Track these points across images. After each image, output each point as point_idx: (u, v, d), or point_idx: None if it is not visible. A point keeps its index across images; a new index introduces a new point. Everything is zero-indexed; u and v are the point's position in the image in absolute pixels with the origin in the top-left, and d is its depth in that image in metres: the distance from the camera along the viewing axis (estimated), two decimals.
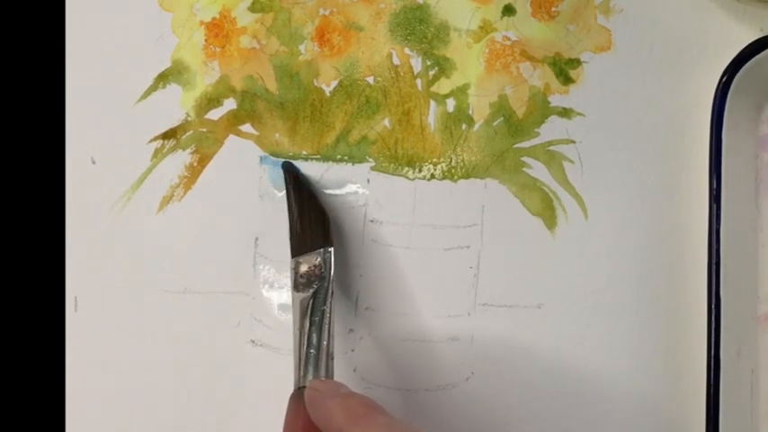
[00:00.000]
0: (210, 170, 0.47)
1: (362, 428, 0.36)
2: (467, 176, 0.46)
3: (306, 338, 0.42)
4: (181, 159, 0.47)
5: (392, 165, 0.46)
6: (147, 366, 0.47)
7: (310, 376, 0.41)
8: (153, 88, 0.47)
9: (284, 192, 0.46)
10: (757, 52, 0.42)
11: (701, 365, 0.42)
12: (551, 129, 0.46)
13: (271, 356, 0.46)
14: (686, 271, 0.44)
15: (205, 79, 0.47)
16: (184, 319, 0.47)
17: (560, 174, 0.45)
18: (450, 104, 0.46)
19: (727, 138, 0.42)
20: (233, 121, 0.47)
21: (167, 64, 0.47)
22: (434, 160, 0.46)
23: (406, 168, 0.46)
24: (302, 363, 0.42)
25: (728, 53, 0.43)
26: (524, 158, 0.46)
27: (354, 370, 0.46)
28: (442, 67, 0.46)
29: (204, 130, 0.47)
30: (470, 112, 0.46)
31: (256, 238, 0.47)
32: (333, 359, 0.42)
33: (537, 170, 0.45)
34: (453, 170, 0.46)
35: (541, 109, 0.46)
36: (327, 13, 0.47)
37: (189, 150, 0.47)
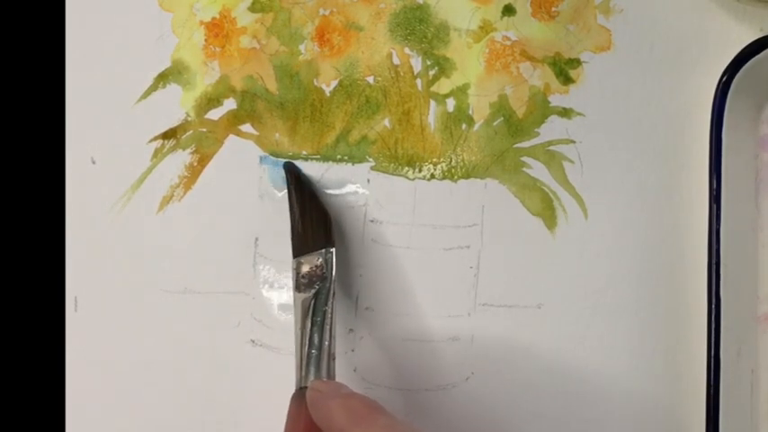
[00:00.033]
0: (210, 170, 0.47)
1: (364, 429, 0.36)
2: (467, 176, 0.46)
3: (307, 339, 0.42)
4: (181, 159, 0.47)
5: (392, 165, 0.46)
6: (147, 366, 0.47)
7: (312, 377, 0.41)
8: (153, 88, 0.47)
9: (284, 192, 0.46)
10: (757, 52, 0.42)
11: (701, 365, 0.42)
12: (551, 129, 0.46)
13: (271, 356, 0.46)
14: (686, 271, 0.44)
15: (205, 79, 0.47)
16: (184, 319, 0.46)
17: (560, 174, 0.45)
18: (450, 104, 0.46)
19: (727, 138, 0.42)
20: (233, 121, 0.47)
21: (167, 64, 0.47)
22: (434, 160, 0.46)
23: (406, 168, 0.46)
24: (304, 363, 0.42)
25: (728, 53, 0.43)
26: (524, 158, 0.46)
27: (354, 370, 0.46)
28: (442, 67, 0.46)
29: (204, 129, 0.47)
30: (470, 111, 0.46)
31: (256, 238, 0.47)
32: (334, 360, 0.42)
33: (537, 170, 0.45)
34: (453, 170, 0.46)
35: (541, 109, 0.46)
36: (327, 13, 0.47)
37: (189, 150, 0.47)
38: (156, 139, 0.47)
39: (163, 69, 0.47)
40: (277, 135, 0.47)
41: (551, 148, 0.45)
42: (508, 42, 0.46)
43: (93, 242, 0.47)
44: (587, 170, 0.45)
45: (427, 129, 0.46)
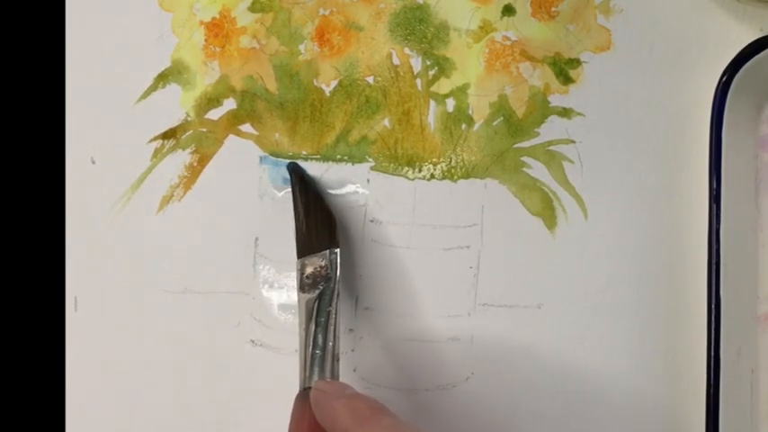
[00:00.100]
0: (210, 170, 0.47)
1: (368, 430, 0.36)
2: (467, 176, 0.46)
3: (311, 339, 0.42)
4: (181, 159, 0.47)
5: (392, 165, 0.46)
6: (147, 366, 0.47)
7: (316, 377, 0.41)
8: (153, 88, 0.47)
9: (284, 192, 0.46)
10: (757, 52, 0.42)
11: (701, 365, 0.42)
12: (551, 129, 0.46)
13: (271, 356, 0.46)
14: (686, 271, 0.44)
15: (205, 79, 0.47)
16: (184, 319, 0.47)
17: (560, 174, 0.45)
18: (450, 104, 0.46)
19: (727, 137, 0.42)
20: (233, 120, 0.47)
21: (167, 64, 0.47)
22: (434, 160, 0.46)
23: (406, 168, 0.46)
24: (308, 364, 0.41)
25: (728, 53, 0.43)
26: (524, 158, 0.46)
27: (354, 370, 0.46)
28: (442, 66, 0.46)
29: (204, 129, 0.47)
30: (470, 111, 0.46)
31: (256, 238, 0.47)
32: (338, 360, 0.42)
33: (537, 170, 0.45)
34: (453, 170, 0.46)
35: (541, 109, 0.46)
36: (327, 12, 0.47)
37: (189, 150, 0.47)
38: (155, 139, 0.47)
39: (163, 69, 0.47)
40: (277, 135, 0.47)
41: (551, 148, 0.45)
42: (508, 42, 0.46)
43: (93, 242, 0.47)
44: (587, 170, 0.45)
45: (427, 129, 0.46)
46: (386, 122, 0.46)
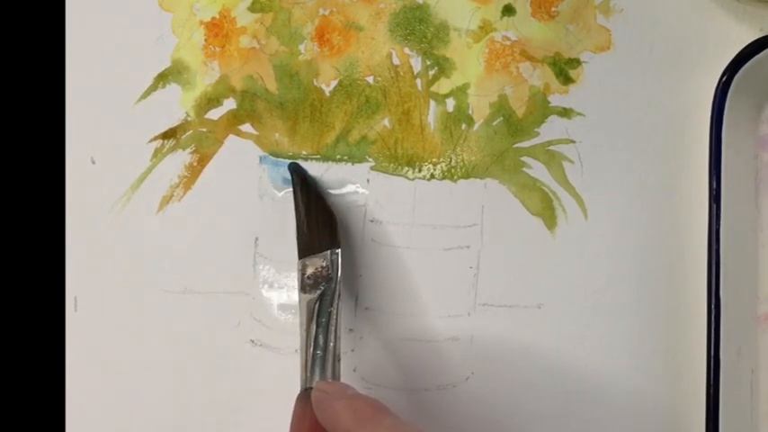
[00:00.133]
0: (210, 170, 0.47)
1: (369, 430, 0.36)
2: (467, 176, 0.46)
3: (312, 340, 0.42)
4: (180, 159, 0.47)
5: (392, 165, 0.46)
6: (147, 366, 0.47)
7: (317, 378, 0.41)
8: (153, 88, 0.47)
9: (284, 192, 0.46)
10: (757, 52, 0.42)
11: (701, 365, 0.42)
12: (551, 129, 0.46)
13: (271, 356, 0.46)
14: (686, 271, 0.44)
15: (205, 79, 0.47)
16: (184, 319, 0.47)
17: (560, 174, 0.45)
18: (450, 104, 0.46)
19: (727, 137, 0.42)
20: (233, 120, 0.47)
21: (167, 64, 0.47)
22: (434, 160, 0.46)
23: (406, 168, 0.46)
24: (309, 364, 0.41)
25: (728, 53, 0.43)
26: (524, 158, 0.46)
27: (354, 370, 0.46)
28: (442, 66, 0.46)
29: (204, 129, 0.47)
30: (470, 111, 0.46)
31: (256, 238, 0.47)
32: (340, 361, 0.42)
33: (537, 170, 0.45)
34: (453, 170, 0.46)
35: (541, 109, 0.46)
36: (327, 12, 0.47)
37: (189, 150, 0.47)
38: (155, 139, 0.47)
39: (163, 69, 0.47)
40: (277, 135, 0.47)
41: (551, 148, 0.45)
42: (508, 42, 0.46)
43: (93, 242, 0.47)
44: (587, 170, 0.45)
45: (427, 129, 0.46)
46: (386, 122, 0.46)
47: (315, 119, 0.46)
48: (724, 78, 0.42)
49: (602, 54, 0.46)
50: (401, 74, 0.46)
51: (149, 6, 0.47)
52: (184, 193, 0.47)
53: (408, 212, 0.46)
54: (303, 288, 0.43)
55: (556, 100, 0.46)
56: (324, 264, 0.43)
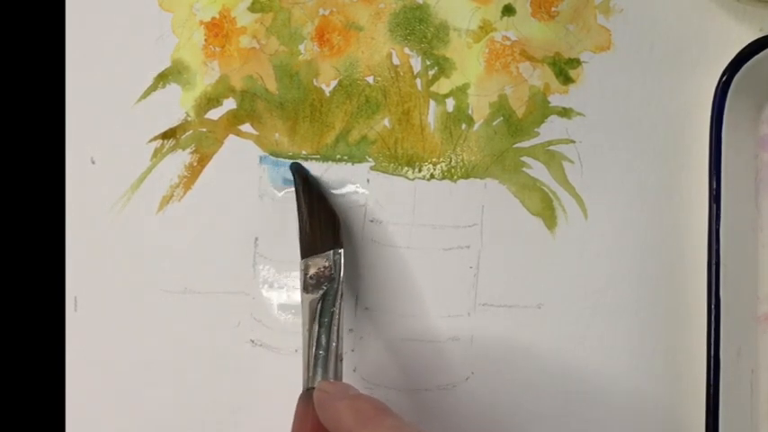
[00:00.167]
0: (210, 170, 0.47)
1: (371, 430, 0.36)
2: (466, 176, 0.46)
3: (314, 340, 0.42)
4: (180, 159, 0.47)
5: (392, 165, 0.46)
6: (147, 366, 0.47)
7: (319, 378, 0.41)
8: (153, 88, 0.47)
9: (284, 192, 0.46)
10: (757, 52, 0.42)
11: (701, 365, 0.42)
12: (551, 129, 0.46)
13: (271, 356, 0.46)
14: (686, 271, 0.44)
15: (205, 79, 0.47)
16: (184, 319, 0.47)
17: (560, 174, 0.45)
18: (450, 104, 0.46)
19: (727, 137, 0.42)
20: (233, 120, 0.47)
21: (167, 64, 0.47)
22: (434, 160, 0.46)
23: (406, 168, 0.46)
24: (311, 364, 0.41)
25: (728, 53, 0.43)
26: (524, 158, 0.46)
27: (354, 370, 0.46)
28: (442, 66, 0.46)
29: (204, 129, 0.47)
30: (470, 111, 0.46)
31: (256, 238, 0.47)
32: (341, 361, 0.42)
33: (537, 170, 0.45)
34: (453, 170, 0.46)
35: (541, 109, 0.46)
36: (327, 12, 0.47)
37: (189, 150, 0.47)
38: (155, 139, 0.47)
39: (163, 69, 0.47)
40: (277, 135, 0.47)
41: (551, 148, 0.45)
42: (508, 42, 0.46)
43: (93, 242, 0.47)
44: (587, 170, 0.45)
45: (427, 129, 0.46)
46: (386, 122, 0.46)
47: (315, 119, 0.46)
48: (724, 78, 0.42)
49: (602, 54, 0.46)
50: (401, 74, 0.46)
51: (149, 6, 0.47)
52: (184, 193, 0.47)
53: (408, 212, 0.46)
54: (306, 288, 0.43)
55: (556, 100, 0.46)
56: (326, 264, 0.43)
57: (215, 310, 0.46)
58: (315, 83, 0.46)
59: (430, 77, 0.46)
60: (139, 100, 0.47)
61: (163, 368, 0.47)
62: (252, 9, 0.47)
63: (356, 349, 0.46)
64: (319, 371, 0.41)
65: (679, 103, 0.45)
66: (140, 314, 0.47)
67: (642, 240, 0.45)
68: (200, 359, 0.46)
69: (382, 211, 0.46)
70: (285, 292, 0.46)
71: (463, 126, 0.46)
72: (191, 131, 0.47)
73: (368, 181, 0.46)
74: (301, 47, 0.47)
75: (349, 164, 0.46)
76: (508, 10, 0.46)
